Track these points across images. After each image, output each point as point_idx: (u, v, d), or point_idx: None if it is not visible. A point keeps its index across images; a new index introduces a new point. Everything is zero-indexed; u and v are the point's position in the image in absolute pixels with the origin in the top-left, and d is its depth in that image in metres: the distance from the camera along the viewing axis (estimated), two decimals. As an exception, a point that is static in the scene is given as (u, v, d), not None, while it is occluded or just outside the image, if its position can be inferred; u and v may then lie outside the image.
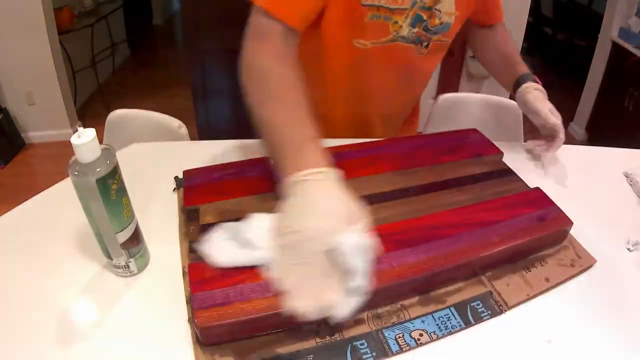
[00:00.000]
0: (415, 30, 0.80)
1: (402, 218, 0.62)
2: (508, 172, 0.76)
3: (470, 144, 0.81)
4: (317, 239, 0.48)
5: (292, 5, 0.67)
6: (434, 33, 0.82)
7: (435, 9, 0.78)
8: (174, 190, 0.73)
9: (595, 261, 0.61)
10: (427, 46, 0.83)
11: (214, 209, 0.63)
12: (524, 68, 0.87)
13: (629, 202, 0.75)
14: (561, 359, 0.50)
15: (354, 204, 0.51)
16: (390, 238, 0.58)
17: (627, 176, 0.81)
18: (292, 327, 0.51)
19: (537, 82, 0.84)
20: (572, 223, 0.62)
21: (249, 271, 0.52)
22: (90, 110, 3.12)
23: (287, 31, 0.67)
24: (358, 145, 0.78)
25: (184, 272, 0.58)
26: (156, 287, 0.57)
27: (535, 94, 0.82)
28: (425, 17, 0.79)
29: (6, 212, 0.68)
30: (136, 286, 0.57)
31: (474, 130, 0.84)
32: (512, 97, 0.92)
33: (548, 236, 0.61)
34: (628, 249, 0.65)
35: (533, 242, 0.60)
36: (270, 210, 0.63)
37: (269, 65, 0.63)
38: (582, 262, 0.61)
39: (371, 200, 0.66)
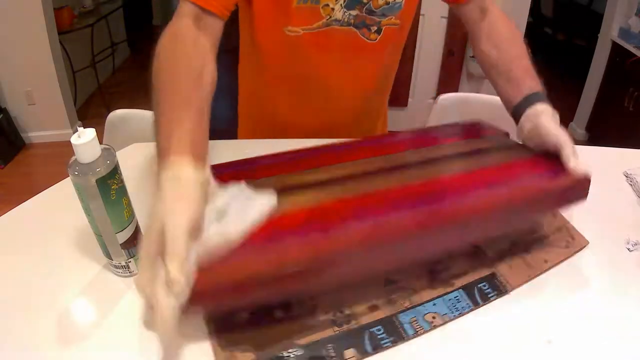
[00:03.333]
0: (355, 12, 0.73)
1: (399, 184, 0.59)
2: (517, 145, 0.70)
3: (474, 129, 0.78)
4: None
5: None
6: (382, 15, 0.75)
7: None
8: (174, 190, 0.73)
9: (588, 242, 0.64)
10: (378, 31, 0.77)
11: (213, 209, 0.63)
12: (531, 81, 0.68)
13: (629, 202, 0.75)
14: (561, 359, 0.50)
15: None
16: (387, 203, 0.54)
17: (627, 176, 0.81)
18: (292, 298, 0.52)
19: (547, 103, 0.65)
20: (590, 178, 0.60)
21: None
22: (90, 110, 3.12)
23: (201, 13, 0.62)
24: (358, 140, 0.77)
25: (183, 272, 0.58)
26: (156, 287, 0.57)
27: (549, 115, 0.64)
28: None
29: (6, 212, 0.68)
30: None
31: (478, 122, 0.83)
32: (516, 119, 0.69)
33: (556, 193, 0.59)
34: (628, 249, 0.65)
35: (539, 196, 0.58)
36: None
37: (165, 45, 0.60)
38: (575, 244, 0.64)
39: (368, 174, 0.62)
